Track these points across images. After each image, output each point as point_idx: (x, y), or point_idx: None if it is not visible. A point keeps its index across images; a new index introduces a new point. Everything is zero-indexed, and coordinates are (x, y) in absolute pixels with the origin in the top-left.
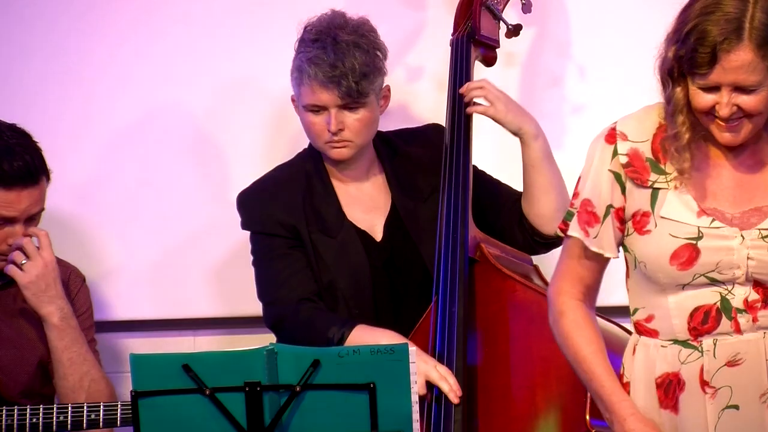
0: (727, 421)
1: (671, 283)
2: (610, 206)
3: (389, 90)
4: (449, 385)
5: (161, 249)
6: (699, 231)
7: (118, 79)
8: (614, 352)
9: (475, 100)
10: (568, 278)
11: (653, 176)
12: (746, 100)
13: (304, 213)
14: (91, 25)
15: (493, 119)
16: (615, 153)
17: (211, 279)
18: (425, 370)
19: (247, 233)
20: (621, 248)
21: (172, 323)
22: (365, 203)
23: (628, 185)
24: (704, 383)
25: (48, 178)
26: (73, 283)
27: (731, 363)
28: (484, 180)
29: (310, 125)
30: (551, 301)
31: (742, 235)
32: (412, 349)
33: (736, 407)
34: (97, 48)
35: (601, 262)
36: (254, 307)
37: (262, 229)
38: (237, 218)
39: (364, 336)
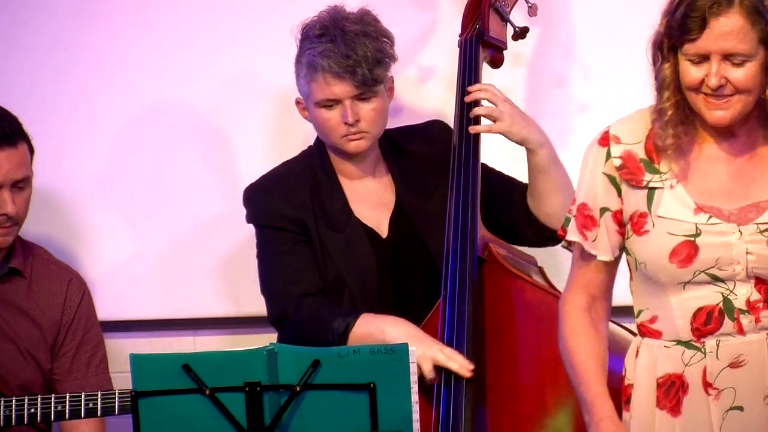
0: (732, 423)
1: (672, 281)
2: (605, 209)
3: (393, 81)
4: (458, 363)
5: (161, 249)
6: (697, 228)
7: (119, 76)
8: (619, 354)
9: (479, 115)
10: (573, 287)
11: (648, 176)
12: (735, 74)
13: (311, 208)
14: (90, 21)
15: (496, 131)
16: (608, 156)
17: (212, 279)
18: (431, 354)
19: (249, 232)
20: (623, 252)
21: (172, 323)
22: (371, 200)
23: (624, 187)
24: (707, 384)
25: (30, 148)
26: (71, 293)
27: (734, 364)
28: (490, 174)
29: (324, 122)
30: (558, 310)
31: (740, 231)
32: (412, 349)
33: (741, 408)
34: (98, 44)
35: (603, 268)
36: (254, 307)
37: (269, 222)
38: (238, 217)
39: (368, 324)
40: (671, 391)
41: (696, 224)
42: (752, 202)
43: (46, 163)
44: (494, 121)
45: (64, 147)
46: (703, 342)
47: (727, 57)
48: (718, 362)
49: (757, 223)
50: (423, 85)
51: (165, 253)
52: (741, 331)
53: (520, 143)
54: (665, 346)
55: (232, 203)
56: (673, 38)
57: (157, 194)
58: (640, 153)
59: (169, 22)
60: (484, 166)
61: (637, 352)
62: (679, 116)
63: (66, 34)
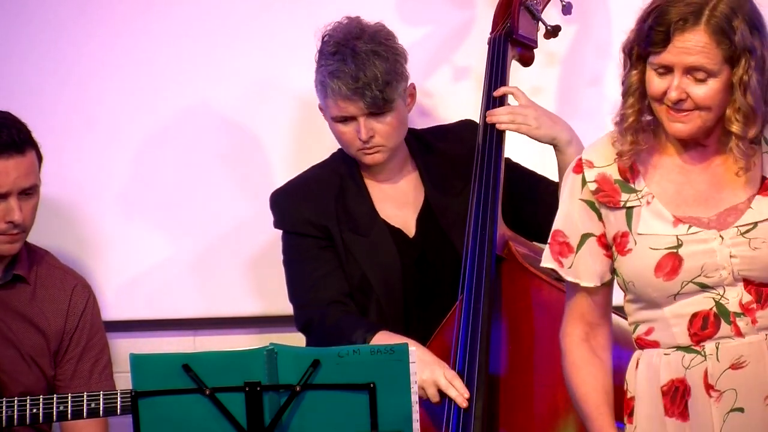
0: (732, 424)
1: (662, 295)
2: (587, 235)
3: (414, 88)
4: (456, 392)
5: (161, 249)
6: (678, 239)
7: (140, 80)
8: (623, 347)
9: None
10: (570, 318)
11: (624, 196)
12: (696, 90)
13: (335, 213)
14: (111, 24)
15: (525, 135)
16: (584, 182)
17: (211, 279)
18: (435, 378)
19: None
20: (615, 275)
21: (172, 323)
22: (398, 200)
23: (603, 210)
24: (709, 387)
25: (39, 155)
26: (75, 300)
27: (735, 366)
28: (521, 173)
29: (340, 134)
30: (559, 343)
31: (720, 236)
32: (412, 349)
33: (741, 410)
34: (119, 49)
35: (593, 294)
36: (254, 307)
37: (294, 228)
38: (236, 219)
39: (383, 342)
40: (677, 397)
41: (677, 236)
42: (730, 205)
43: (51, 166)
44: (517, 129)
45: (64, 146)
46: (703, 346)
47: (689, 72)
48: (719, 364)
49: (737, 226)
50: (458, 84)
51: (164, 253)
52: (739, 333)
53: (549, 143)
54: (665, 354)
55: (232, 206)
56: (641, 47)
57: (157, 196)
58: (614, 174)
59: (192, 25)
60: (512, 163)
61: (637, 364)
62: (639, 123)
63: (84, 39)
